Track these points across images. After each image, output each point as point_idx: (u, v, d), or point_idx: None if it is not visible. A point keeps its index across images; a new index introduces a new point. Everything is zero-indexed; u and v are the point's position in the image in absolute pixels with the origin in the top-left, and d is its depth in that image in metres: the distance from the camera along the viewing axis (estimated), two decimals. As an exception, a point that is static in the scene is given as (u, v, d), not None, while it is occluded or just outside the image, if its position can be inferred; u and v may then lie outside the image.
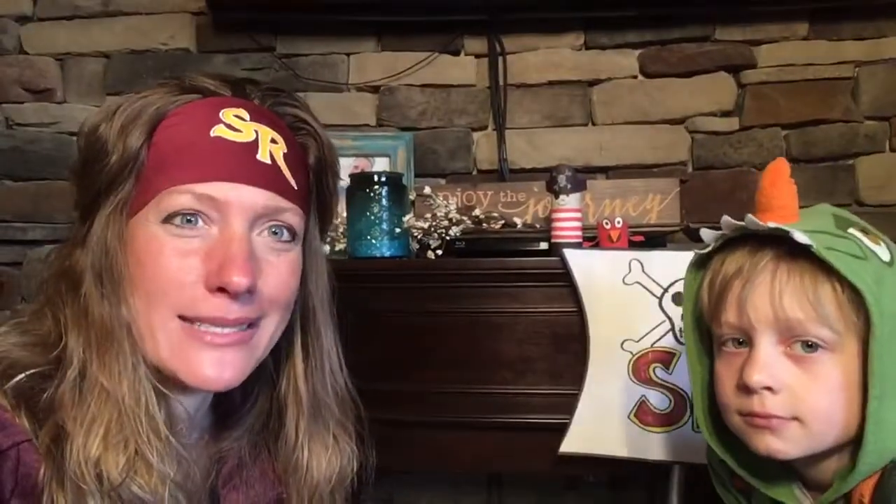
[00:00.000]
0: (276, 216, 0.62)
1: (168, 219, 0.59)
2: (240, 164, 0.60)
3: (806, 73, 1.62)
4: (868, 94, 1.61)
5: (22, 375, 0.56)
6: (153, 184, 0.60)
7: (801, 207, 0.68)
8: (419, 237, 1.31)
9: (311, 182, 0.68)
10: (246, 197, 0.60)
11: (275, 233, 0.63)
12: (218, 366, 0.60)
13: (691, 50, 1.65)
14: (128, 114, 0.61)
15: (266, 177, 0.61)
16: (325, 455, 0.71)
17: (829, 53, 1.62)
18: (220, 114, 0.61)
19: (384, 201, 1.31)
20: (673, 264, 1.12)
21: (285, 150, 0.64)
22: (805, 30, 1.63)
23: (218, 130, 0.60)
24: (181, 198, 0.58)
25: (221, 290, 0.58)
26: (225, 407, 0.71)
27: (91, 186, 0.61)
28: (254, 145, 0.61)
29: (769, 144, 1.63)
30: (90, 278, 0.60)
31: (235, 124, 0.61)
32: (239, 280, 0.57)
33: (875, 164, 1.61)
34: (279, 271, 0.63)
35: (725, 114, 1.65)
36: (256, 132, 0.62)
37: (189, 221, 0.59)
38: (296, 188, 0.64)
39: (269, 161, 0.62)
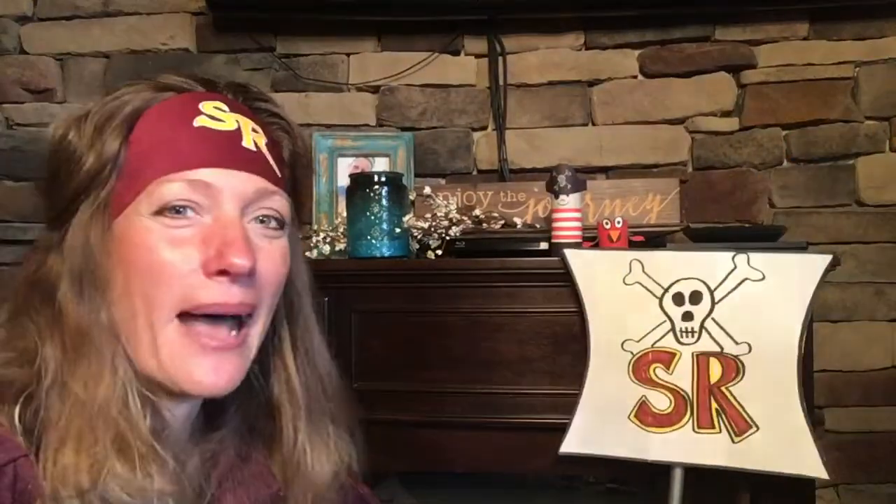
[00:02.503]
0: (265, 202, 0.62)
1: (160, 211, 0.58)
2: (228, 150, 0.60)
3: (806, 73, 1.62)
4: (868, 94, 1.61)
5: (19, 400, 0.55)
6: (139, 178, 0.59)
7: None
8: (419, 237, 1.31)
9: (286, 175, 0.68)
10: (237, 182, 0.60)
11: (262, 221, 0.63)
12: (215, 372, 0.59)
13: (691, 50, 1.65)
14: (100, 116, 0.60)
15: (253, 162, 0.62)
16: (325, 453, 0.70)
17: (829, 53, 1.62)
18: (200, 106, 0.61)
19: (384, 201, 1.31)
20: (673, 264, 1.13)
21: (266, 140, 0.64)
22: (805, 30, 1.63)
23: (200, 121, 0.60)
24: (173, 186, 0.58)
25: (221, 273, 0.58)
26: (210, 408, 0.70)
27: (63, 193, 0.60)
28: (238, 133, 0.61)
29: (769, 144, 1.63)
30: (67, 284, 0.59)
31: (217, 115, 0.61)
32: (241, 262, 0.57)
33: (875, 164, 1.61)
34: (272, 256, 0.63)
35: (725, 114, 1.65)
36: (238, 122, 0.62)
37: (179, 212, 0.58)
38: (280, 176, 0.65)
39: (254, 148, 0.62)
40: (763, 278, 1.09)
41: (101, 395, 0.56)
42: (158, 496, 0.55)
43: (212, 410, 0.70)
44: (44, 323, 0.59)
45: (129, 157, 0.60)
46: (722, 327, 1.10)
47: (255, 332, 0.63)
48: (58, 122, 0.62)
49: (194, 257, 0.58)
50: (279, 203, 0.63)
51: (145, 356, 0.59)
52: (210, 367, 0.59)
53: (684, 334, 1.11)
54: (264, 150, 0.63)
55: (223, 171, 0.59)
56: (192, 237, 0.58)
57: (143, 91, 0.62)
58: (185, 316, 0.59)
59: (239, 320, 0.61)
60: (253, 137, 0.62)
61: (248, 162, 0.61)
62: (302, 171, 0.71)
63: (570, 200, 1.24)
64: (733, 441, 1.08)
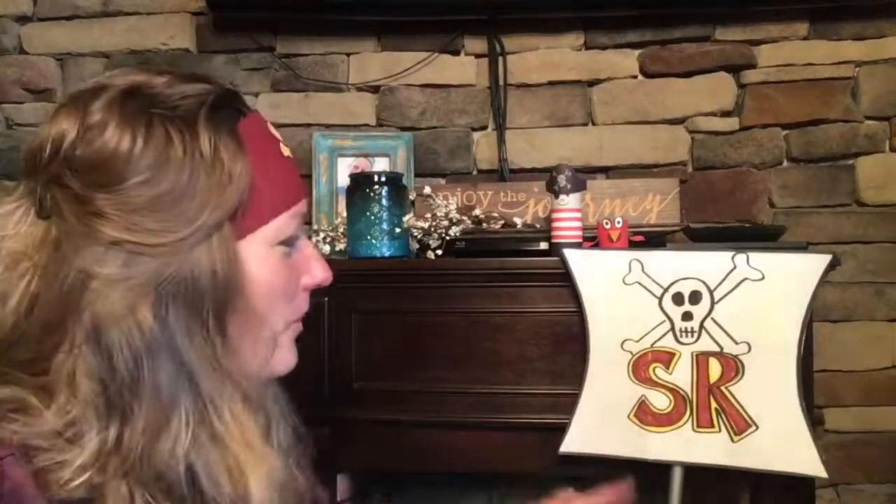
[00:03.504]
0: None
1: (280, 241, 0.63)
2: (298, 179, 0.68)
3: (806, 73, 1.62)
4: (868, 94, 1.61)
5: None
6: (263, 206, 0.61)
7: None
8: (419, 237, 1.31)
9: None
10: (304, 209, 0.68)
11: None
12: (295, 357, 0.69)
13: (691, 50, 1.65)
14: (209, 129, 0.57)
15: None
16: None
17: (829, 53, 1.62)
18: (271, 129, 0.65)
19: (384, 201, 1.31)
20: (673, 264, 1.13)
21: None
22: (805, 30, 1.63)
23: (285, 150, 0.65)
24: (293, 222, 0.64)
25: (315, 287, 0.69)
26: None
27: (176, 213, 0.55)
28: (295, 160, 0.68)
29: (769, 144, 1.63)
30: (176, 306, 0.55)
31: (282, 140, 0.66)
32: (327, 276, 0.69)
33: (875, 164, 1.61)
34: None
35: (725, 114, 1.64)
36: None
37: (294, 242, 0.66)
38: None
39: None
40: (763, 278, 1.09)
41: (239, 420, 0.58)
42: None
43: None
44: (152, 344, 0.55)
45: (253, 180, 0.59)
46: (721, 327, 1.10)
47: None
48: (111, 129, 0.56)
49: (302, 278, 0.68)
50: None
51: (260, 362, 0.64)
52: (295, 354, 0.69)
53: (684, 334, 1.11)
54: None
55: (304, 201, 0.67)
56: (297, 261, 0.67)
57: (224, 96, 0.61)
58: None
59: None
60: None
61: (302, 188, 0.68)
62: None
63: (570, 200, 1.24)
64: (733, 440, 1.08)
